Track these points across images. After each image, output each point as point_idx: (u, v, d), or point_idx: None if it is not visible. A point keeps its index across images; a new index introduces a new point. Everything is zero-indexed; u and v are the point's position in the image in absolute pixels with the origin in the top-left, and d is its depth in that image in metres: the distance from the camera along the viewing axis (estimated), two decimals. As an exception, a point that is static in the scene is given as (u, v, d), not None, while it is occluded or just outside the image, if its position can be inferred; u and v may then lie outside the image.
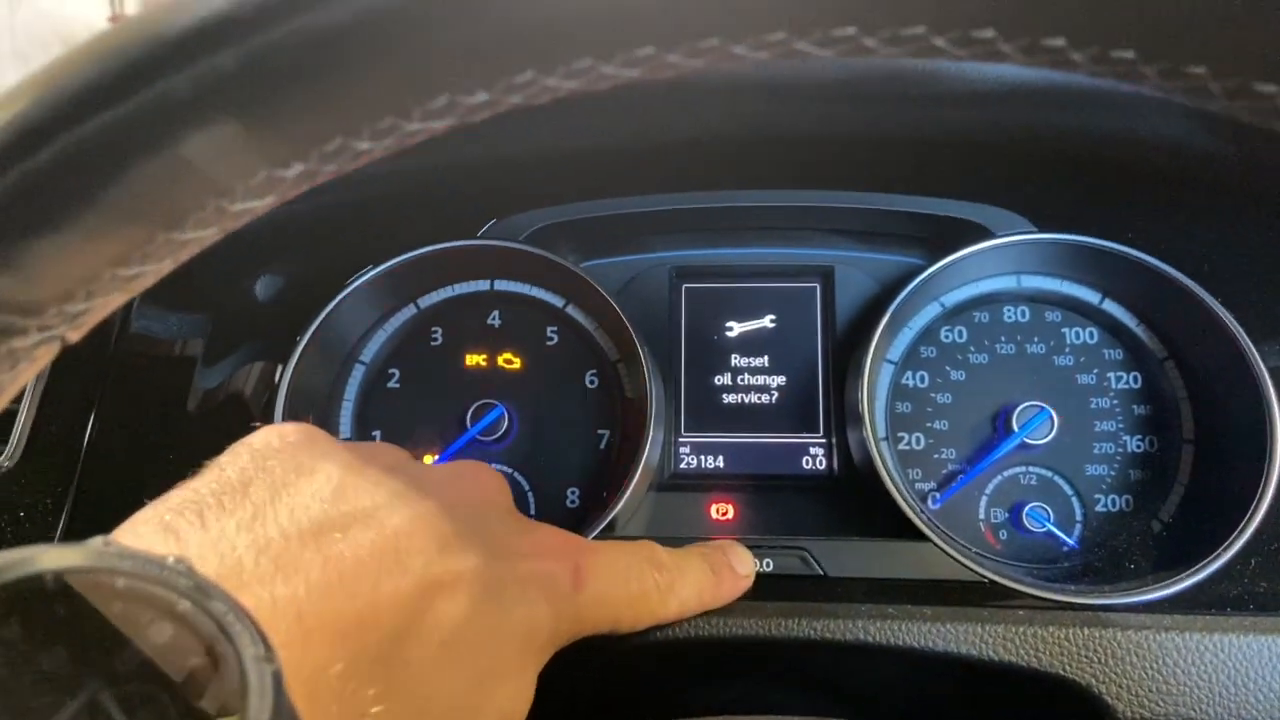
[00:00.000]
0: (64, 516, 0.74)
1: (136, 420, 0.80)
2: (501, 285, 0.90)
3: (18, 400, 0.75)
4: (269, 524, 0.40)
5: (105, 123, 0.25)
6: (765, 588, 0.73)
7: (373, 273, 0.85)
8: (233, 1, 0.25)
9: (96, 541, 0.28)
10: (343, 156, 0.28)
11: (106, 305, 0.29)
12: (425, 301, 0.90)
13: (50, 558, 0.26)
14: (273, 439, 0.47)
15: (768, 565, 0.75)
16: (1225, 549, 0.71)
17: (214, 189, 0.27)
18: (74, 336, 0.29)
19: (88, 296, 0.28)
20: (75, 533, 0.75)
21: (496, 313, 0.90)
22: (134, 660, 0.26)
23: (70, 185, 0.26)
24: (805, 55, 0.29)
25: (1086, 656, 0.64)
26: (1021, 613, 0.67)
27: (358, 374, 0.89)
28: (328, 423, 0.87)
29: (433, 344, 0.90)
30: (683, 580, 0.62)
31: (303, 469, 0.45)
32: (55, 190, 0.25)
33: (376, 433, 0.88)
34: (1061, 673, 0.64)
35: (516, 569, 0.49)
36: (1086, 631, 0.64)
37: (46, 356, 0.30)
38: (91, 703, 0.26)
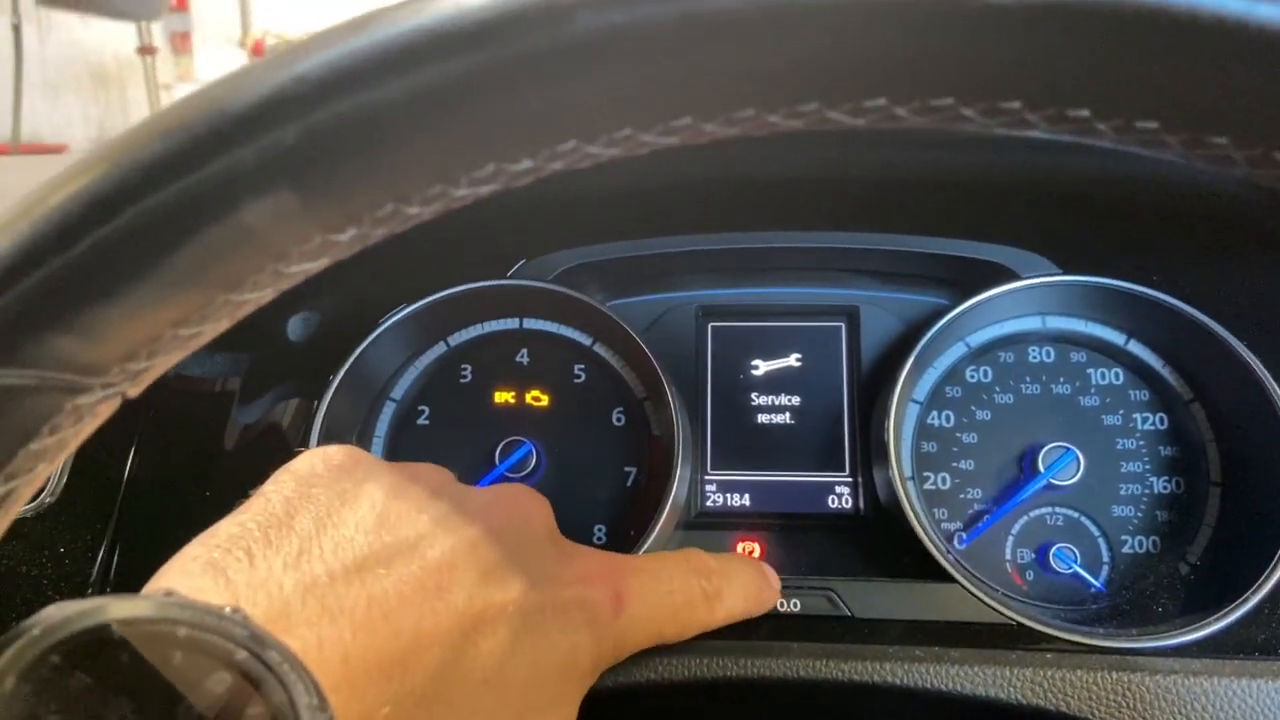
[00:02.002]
0: (102, 553, 0.76)
1: (175, 457, 0.82)
2: (530, 324, 0.91)
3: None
4: (314, 561, 0.41)
5: (173, 194, 0.27)
6: (792, 628, 0.73)
7: (404, 312, 0.86)
8: (294, 78, 0.27)
9: (159, 592, 0.29)
10: (394, 221, 0.30)
11: (166, 362, 0.30)
12: (455, 339, 0.91)
13: (116, 609, 0.27)
14: (316, 463, 0.48)
15: (795, 605, 0.76)
16: (1253, 592, 0.70)
17: (272, 253, 0.29)
18: (134, 392, 0.31)
19: (149, 356, 0.30)
20: (114, 569, 0.76)
21: (525, 351, 0.91)
22: (194, 710, 0.27)
23: (138, 253, 0.27)
24: (837, 124, 0.30)
25: (1114, 701, 0.64)
26: (1049, 656, 0.67)
27: (389, 411, 0.90)
28: (359, 459, 0.88)
29: (462, 381, 0.91)
30: (730, 586, 0.63)
31: (347, 496, 0.46)
32: (124, 258, 0.27)
33: (406, 469, 0.89)
34: (1090, 718, 0.64)
35: (557, 597, 0.49)
36: (1114, 676, 0.64)
37: (107, 412, 0.31)
38: None
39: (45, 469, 0.30)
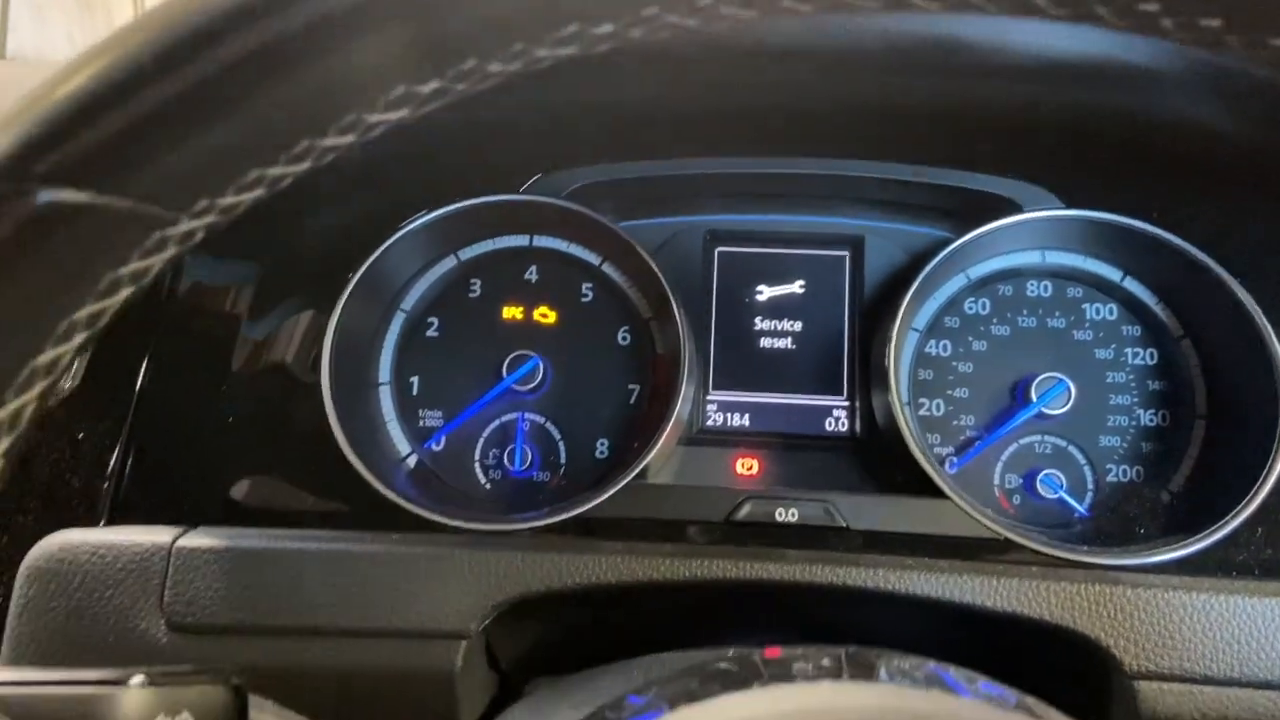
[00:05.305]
0: (120, 445, 0.77)
1: (191, 354, 0.83)
2: (541, 241, 0.92)
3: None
4: None
5: (269, 32, 0.28)
6: (789, 537, 0.76)
7: (417, 223, 0.87)
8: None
9: None
10: (473, 77, 0.31)
11: (249, 200, 0.32)
12: (466, 254, 0.92)
13: None
14: None
15: (793, 515, 0.78)
16: (1233, 517, 0.73)
17: (358, 100, 0.30)
18: (222, 224, 0.32)
19: (237, 192, 0.31)
20: (131, 461, 0.77)
21: (534, 267, 0.93)
22: None
23: (237, 87, 0.28)
24: (847, 5, 0.31)
25: (1096, 611, 0.67)
26: (1033, 569, 0.69)
27: (398, 321, 0.91)
28: (368, 367, 0.89)
29: (471, 295, 0.93)
30: None
31: None
32: (229, 86, 0.28)
33: (414, 378, 0.91)
34: (1071, 625, 0.66)
35: None
36: (1097, 588, 0.67)
37: (192, 242, 0.32)
38: None
39: (128, 294, 0.32)
